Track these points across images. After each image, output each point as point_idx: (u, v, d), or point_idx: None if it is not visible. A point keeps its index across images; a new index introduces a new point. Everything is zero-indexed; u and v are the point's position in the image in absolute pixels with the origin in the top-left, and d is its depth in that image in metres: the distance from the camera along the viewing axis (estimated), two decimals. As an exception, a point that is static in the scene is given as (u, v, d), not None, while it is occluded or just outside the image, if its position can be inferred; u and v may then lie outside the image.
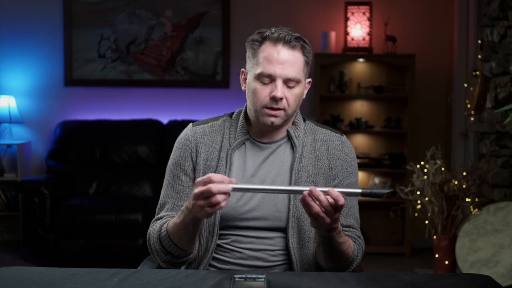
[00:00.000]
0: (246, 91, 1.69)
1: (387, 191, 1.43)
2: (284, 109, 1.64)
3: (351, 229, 1.70)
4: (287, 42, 1.62)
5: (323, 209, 1.40)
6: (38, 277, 1.42)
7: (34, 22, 5.01)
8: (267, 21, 4.89)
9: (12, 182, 4.70)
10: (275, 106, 1.62)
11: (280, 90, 1.61)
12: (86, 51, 5.03)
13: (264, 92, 1.63)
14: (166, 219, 1.66)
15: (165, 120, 4.91)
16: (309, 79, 1.73)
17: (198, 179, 1.42)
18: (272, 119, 1.64)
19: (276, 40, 1.62)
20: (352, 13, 4.86)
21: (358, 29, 4.86)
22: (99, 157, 4.75)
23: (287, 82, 1.63)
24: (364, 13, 4.86)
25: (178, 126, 4.67)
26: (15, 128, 4.96)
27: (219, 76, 5.04)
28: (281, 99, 1.62)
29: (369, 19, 4.85)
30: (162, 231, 1.62)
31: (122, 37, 5.04)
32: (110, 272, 1.46)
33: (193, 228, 1.56)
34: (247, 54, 1.69)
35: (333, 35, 4.84)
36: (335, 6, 5.00)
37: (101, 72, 5.04)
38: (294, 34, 1.64)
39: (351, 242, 1.64)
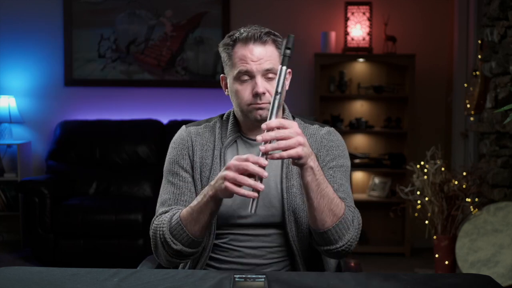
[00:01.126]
0: (230, 95, 1.72)
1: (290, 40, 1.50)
2: (269, 102, 1.64)
3: (344, 201, 1.66)
4: (257, 39, 1.64)
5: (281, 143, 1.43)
6: (38, 277, 1.42)
7: (34, 22, 5.01)
8: (267, 21, 4.89)
9: (12, 182, 4.70)
10: (260, 102, 1.64)
11: (260, 85, 1.63)
12: (86, 51, 5.03)
13: (247, 91, 1.65)
14: (177, 210, 1.64)
15: (165, 120, 4.91)
16: (289, 70, 1.73)
17: (237, 156, 1.46)
18: (260, 112, 1.65)
19: (246, 40, 1.64)
20: (352, 13, 4.86)
21: (358, 29, 4.86)
22: (99, 157, 4.75)
23: (266, 74, 1.64)
24: (364, 13, 4.86)
25: (178, 126, 4.61)
26: (15, 128, 4.96)
27: (219, 76, 5.03)
28: (264, 93, 1.63)
29: (369, 19, 4.85)
30: (174, 220, 1.59)
31: (122, 37, 5.03)
32: (110, 272, 1.46)
33: (208, 210, 1.54)
34: (222, 59, 1.71)
35: (333, 35, 4.84)
36: (335, 6, 5.00)
37: (101, 72, 5.04)
38: (264, 29, 1.67)
39: (339, 199, 1.59)
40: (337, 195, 1.60)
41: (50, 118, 4.98)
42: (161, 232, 1.61)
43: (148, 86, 5.07)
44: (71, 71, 5.02)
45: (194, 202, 1.57)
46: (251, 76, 1.64)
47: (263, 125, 1.43)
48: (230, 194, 1.46)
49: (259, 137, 1.42)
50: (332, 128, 1.79)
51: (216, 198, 1.52)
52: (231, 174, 1.44)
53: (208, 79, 5.06)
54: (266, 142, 1.42)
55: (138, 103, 5.05)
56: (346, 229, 1.59)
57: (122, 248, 4.15)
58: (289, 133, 1.44)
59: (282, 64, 1.47)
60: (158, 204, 1.73)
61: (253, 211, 1.41)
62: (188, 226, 1.57)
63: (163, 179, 1.75)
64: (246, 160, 1.44)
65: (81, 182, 4.61)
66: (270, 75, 1.65)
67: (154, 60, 5.05)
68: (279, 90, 1.46)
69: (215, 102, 5.00)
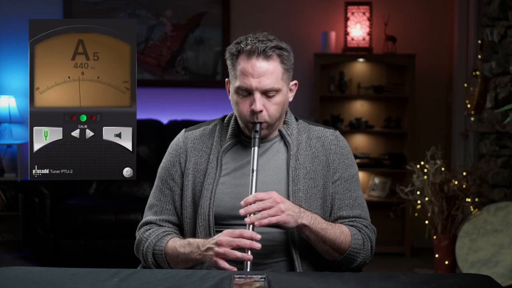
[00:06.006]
0: (231, 101, 1.71)
1: None
2: (265, 122, 1.66)
3: (357, 219, 1.71)
4: (261, 53, 1.62)
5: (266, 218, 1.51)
6: (38, 277, 1.42)
7: (34, 22, 5.00)
8: (267, 21, 4.89)
9: (12, 182, 4.70)
10: (256, 121, 1.64)
11: (258, 103, 1.63)
12: (86, 51, 5.02)
13: (245, 106, 1.65)
14: (163, 233, 1.70)
15: (165, 120, 4.91)
16: (295, 81, 1.74)
17: (229, 231, 1.51)
18: (257, 135, 1.66)
19: (249, 53, 1.62)
20: (352, 13, 4.86)
21: (358, 29, 4.85)
22: (99, 157, 4.75)
23: (265, 92, 1.64)
24: (364, 13, 4.85)
25: (178, 126, 4.66)
26: (15, 128, 4.95)
27: (219, 76, 5.04)
28: (261, 111, 1.63)
29: (369, 19, 4.85)
30: (159, 248, 1.66)
31: (122, 37, 5.03)
32: (110, 272, 1.46)
33: (190, 264, 1.63)
34: (227, 64, 1.70)
35: (333, 35, 4.84)
36: (335, 6, 4.99)
37: (101, 72, 5.04)
38: (270, 42, 1.63)
39: (346, 230, 1.65)
40: (354, 212, 1.71)
41: (50, 118, 4.98)
42: (144, 249, 1.69)
43: (148, 86, 5.07)
44: (71, 71, 5.01)
45: (181, 250, 1.62)
46: (250, 92, 1.64)
47: (242, 202, 1.53)
48: (217, 266, 1.53)
49: (242, 211, 1.51)
50: (337, 131, 1.79)
51: (201, 262, 1.60)
52: (221, 250, 1.51)
53: (208, 79, 5.06)
54: (250, 214, 1.52)
55: (138, 103, 4.99)
56: (356, 254, 1.66)
57: (122, 248, 4.14)
58: (269, 203, 1.51)
59: (253, 145, 1.61)
60: (147, 205, 1.80)
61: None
62: (170, 261, 1.66)
63: (156, 179, 1.81)
64: (240, 235, 1.50)
65: (81, 182, 4.61)
66: (270, 94, 1.64)
67: (154, 60, 5.05)
68: (255, 168, 1.58)
69: (215, 102, 5.00)
